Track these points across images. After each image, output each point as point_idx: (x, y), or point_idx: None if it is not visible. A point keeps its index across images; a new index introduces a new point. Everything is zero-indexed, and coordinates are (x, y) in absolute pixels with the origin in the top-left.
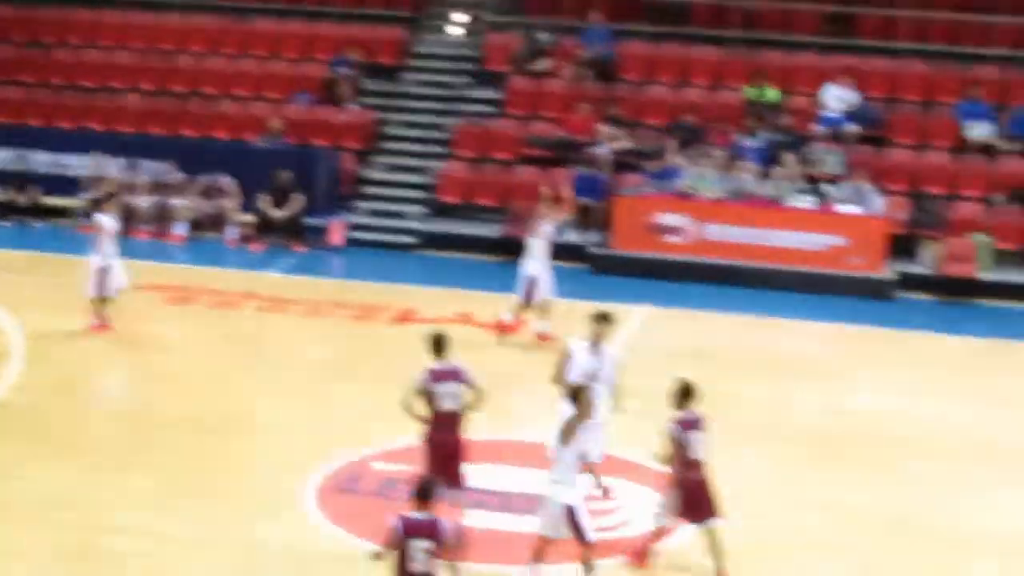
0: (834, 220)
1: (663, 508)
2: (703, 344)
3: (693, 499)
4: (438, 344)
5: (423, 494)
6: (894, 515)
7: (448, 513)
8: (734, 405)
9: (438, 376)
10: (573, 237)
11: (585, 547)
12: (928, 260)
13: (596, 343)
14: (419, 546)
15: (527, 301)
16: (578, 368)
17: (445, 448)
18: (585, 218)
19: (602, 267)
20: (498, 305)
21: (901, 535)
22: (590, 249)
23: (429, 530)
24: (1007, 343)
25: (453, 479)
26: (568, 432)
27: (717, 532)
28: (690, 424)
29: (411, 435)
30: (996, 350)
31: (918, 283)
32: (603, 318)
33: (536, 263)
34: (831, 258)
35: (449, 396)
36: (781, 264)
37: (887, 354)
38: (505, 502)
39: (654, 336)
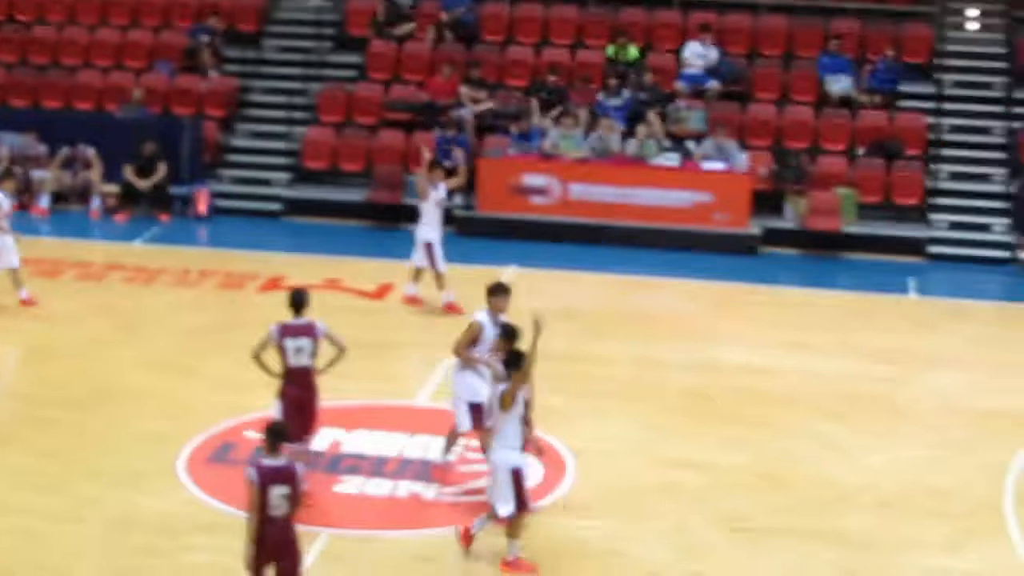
0: (698, 177)
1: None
2: (570, 304)
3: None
4: (295, 301)
5: (275, 439)
6: (765, 471)
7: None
8: (602, 365)
9: (289, 331)
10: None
11: (522, 514)
12: (793, 215)
13: (496, 315)
14: (278, 492)
15: (432, 267)
16: (486, 343)
17: (296, 402)
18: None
19: (467, 229)
20: (366, 270)
21: (772, 491)
22: (455, 211)
23: (286, 475)
24: (873, 296)
25: (301, 433)
26: (508, 398)
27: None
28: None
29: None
30: (862, 303)
31: (783, 238)
32: (501, 289)
33: (431, 229)
34: (696, 215)
35: (299, 351)
36: (647, 222)
37: (754, 310)
38: (378, 467)
39: (521, 297)
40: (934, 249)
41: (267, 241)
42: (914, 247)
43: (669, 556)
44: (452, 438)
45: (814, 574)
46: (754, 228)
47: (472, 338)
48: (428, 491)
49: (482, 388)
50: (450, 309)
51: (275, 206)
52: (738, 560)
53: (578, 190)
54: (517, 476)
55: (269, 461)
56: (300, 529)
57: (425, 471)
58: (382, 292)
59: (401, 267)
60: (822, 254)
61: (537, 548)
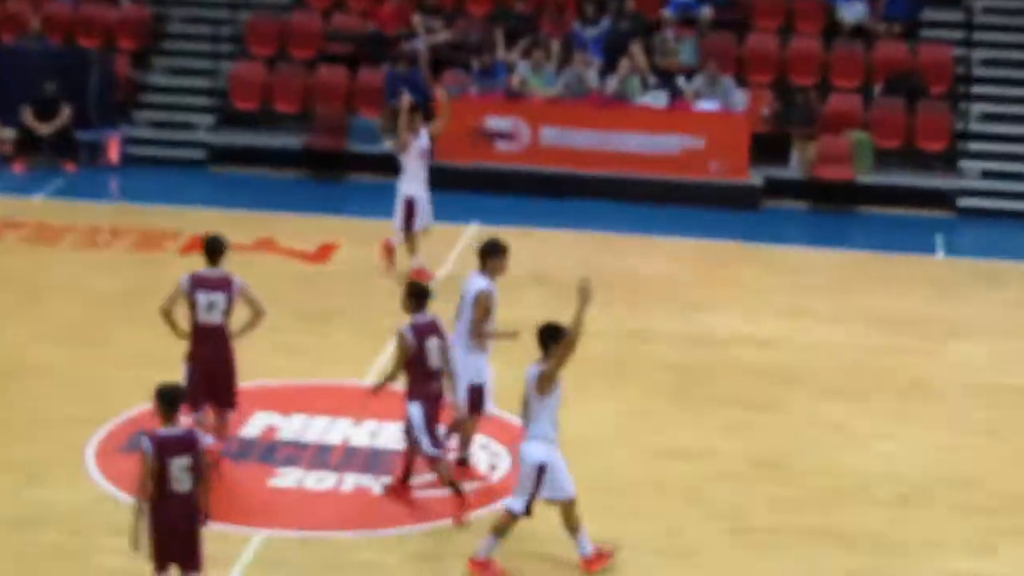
0: (689, 119)
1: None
2: (541, 266)
3: (434, 414)
4: (210, 247)
5: (168, 405)
6: (766, 461)
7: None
8: (579, 338)
9: (201, 283)
10: (386, 147)
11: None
12: (799, 163)
13: (494, 278)
14: (179, 464)
15: (407, 227)
16: (494, 311)
17: (205, 365)
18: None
19: None
20: (304, 227)
21: (775, 484)
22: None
23: (187, 445)
24: (892, 256)
25: (216, 402)
26: (547, 381)
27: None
28: (425, 329)
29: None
30: (880, 265)
31: (788, 189)
32: (498, 248)
33: (414, 183)
34: (687, 163)
35: (211, 307)
36: (630, 172)
37: (755, 273)
38: (320, 457)
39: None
40: (964, 202)
41: (189, 194)
42: (940, 199)
43: (659, 560)
44: (462, 431)
45: None
46: (754, 178)
47: (484, 312)
48: (376, 485)
49: (485, 369)
50: (418, 275)
51: (198, 153)
52: (737, 564)
53: (550, 135)
54: (541, 473)
55: (166, 431)
56: (231, 530)
57: (373, 461)
58: (323, 253)
59: (344, 223)
60: (833, 208)
61: (509, 550)
